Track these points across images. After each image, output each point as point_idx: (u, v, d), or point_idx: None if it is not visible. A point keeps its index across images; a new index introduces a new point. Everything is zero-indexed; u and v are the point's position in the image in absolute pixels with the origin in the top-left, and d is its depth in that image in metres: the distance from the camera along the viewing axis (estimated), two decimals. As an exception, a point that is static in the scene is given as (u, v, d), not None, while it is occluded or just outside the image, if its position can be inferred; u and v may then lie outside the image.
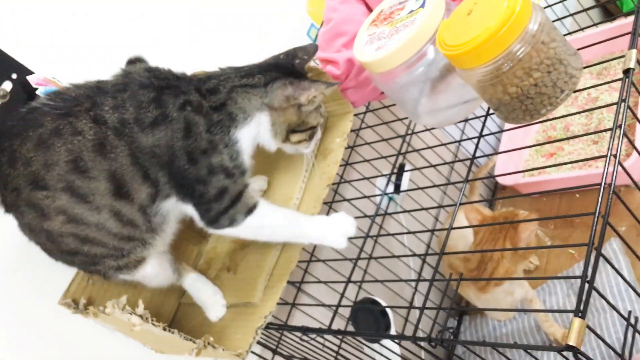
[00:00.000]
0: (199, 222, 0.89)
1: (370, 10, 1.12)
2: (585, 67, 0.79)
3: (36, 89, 1.01)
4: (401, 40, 0.83)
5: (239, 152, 0.87)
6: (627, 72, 0.72)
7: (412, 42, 0.82)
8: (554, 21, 1.25)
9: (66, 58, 1.07)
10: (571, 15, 1.06)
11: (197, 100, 0.85)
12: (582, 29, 1.09)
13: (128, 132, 0.80)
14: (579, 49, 0.78)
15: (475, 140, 0.94)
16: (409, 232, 1.16)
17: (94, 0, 1.12)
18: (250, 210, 0.87)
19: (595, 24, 1.21)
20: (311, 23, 1.44)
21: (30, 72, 1.03)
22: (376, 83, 0.92)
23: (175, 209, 0.90)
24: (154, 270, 0.92)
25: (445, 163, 1.02)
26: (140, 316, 0.82)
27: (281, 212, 0.92)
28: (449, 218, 1.50)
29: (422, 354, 1.41)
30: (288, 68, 0.92)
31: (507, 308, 1.21)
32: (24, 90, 1.02)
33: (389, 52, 0.84)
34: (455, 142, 0.90)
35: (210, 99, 0.86)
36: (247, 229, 0.89)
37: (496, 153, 1.63)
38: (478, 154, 1.73)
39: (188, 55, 1.15)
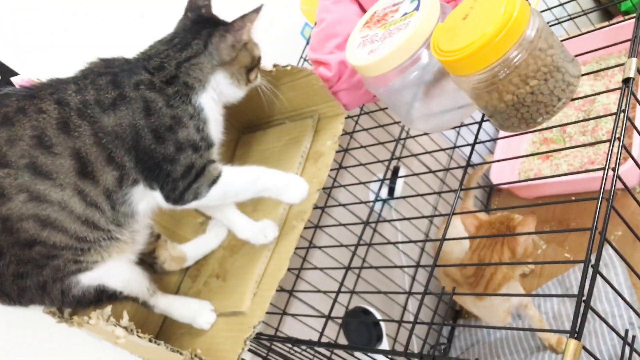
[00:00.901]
0: (164, 204, 0.89)
1: (364, 10, 1.09)
2: (583, 74, 0.77)
3: (20, 90, 0.99)
4: (394, 44, 0.80)
5: (205, 121, 0.89)
6: (626, 81, 0.70)
7: (406, 47, 0.80)
8: (552, 25, 1.24)
9: (66, 59, 1.05)
10: (571, 18, 1.03)
11: (147, 78, 0.86)
12: (582, 34, 1.07)
13: (90, 112, 0.81)
14: (577, 55, 0.76)
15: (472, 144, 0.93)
16: (405, 242, 1.15)
17: (94, 1, 1.11)
18: (214, 181, 0.89)
19: (597, 29, 1.19)
20: (305, 22, 1.42)
21: (15, 74, 1.01)
22: (368, 87, 0.90)
23: (144, 201, 0.88)
24: (124, 274, 0.89)
25: (441, 170, 1.00)
26: (125, 328, 0.80)
27: (244, 174, 0.93)
28: (443, 224, 1.48)
29: None
30: (204, 20, 0.93)
31: (502, 319, 1.20)
32: (8, 92, 1.00)
33: (381, 56, 0.81)
34: (452, 148, 0.88)
35: (159, 75, 0.87)
36: (212, 198, 0.90)
37: (493, 161, 1.61)
38: (474, 156, 1.72)
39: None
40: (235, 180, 0.92)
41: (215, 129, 0.91)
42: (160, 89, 0.85)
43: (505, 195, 1.70)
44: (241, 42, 0.91)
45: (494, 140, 1.63)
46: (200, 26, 0.91)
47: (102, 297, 0.87)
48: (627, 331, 0.66)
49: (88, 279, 0.85)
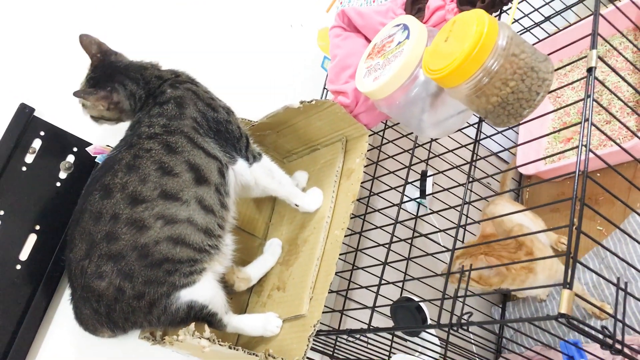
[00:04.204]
0: (246, 168, 1.11)
1: (368, 41, 1.24)
2: (562, 67, 0.89)
3: (95, 157, 1.17)
4: (393, 69, 0.95)
5: None
6: (590, 70, 0.82)
7: (403, 70, 0.94)
8: (553, 17, 1.35)
9: (66, 59, 1.21)
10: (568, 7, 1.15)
11: (169, 78, 1.10)
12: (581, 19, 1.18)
13: (173, 127, 1.02)
14: (550, 53, 0.88)
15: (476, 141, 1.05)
16: (433, 232, 1.27)
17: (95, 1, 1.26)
18: (260, 154, 1.14)
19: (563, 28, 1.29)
20: (324, 56, 1.58)
21: (89, 144, 1.20)
22: (379, 108, 1.04)
23: (235, 186, 1.10)
24: (212, 290, 1.01)
25: (450, 169, 1.13)
26: (208, 339, 0.96)
27: (284, 173, 1.19)
28: (487, 208, 1.58)
29: (472, 340, 1.50)
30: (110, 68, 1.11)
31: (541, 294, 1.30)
32: (85, 160, 1.19)
33: (384, 81, 0.96)
34: (458, 148, 1.01)
35: (172, 76, 1.11)
36: (263, 169, 1.14)
37: (510, 147, 1.71)
38: (498, 149, 1.82)
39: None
40: (277, 169, 1.17)
41: None
42: (183, 81, 1.09)
43: (534, 181, 1.80)
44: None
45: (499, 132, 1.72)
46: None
47: (190, 315, 0.99)
48: (618, 278, 0.77)
49: (185, 294, 0.97)
